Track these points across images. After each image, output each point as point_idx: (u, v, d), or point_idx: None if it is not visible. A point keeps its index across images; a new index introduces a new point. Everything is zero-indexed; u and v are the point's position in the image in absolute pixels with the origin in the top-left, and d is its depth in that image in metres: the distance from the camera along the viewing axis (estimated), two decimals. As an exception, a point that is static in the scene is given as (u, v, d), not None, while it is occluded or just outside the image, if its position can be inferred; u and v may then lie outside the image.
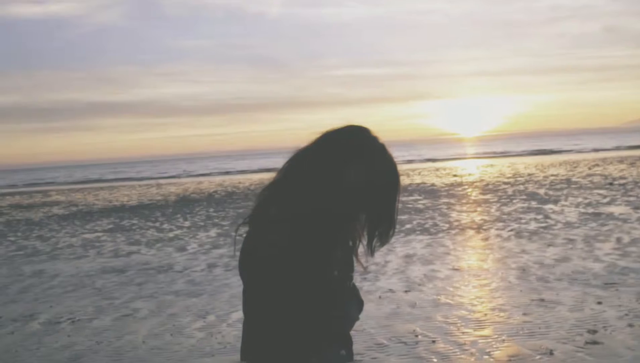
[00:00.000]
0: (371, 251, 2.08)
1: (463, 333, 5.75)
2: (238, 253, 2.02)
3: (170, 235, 14.66)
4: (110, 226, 17.57)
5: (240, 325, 6.42)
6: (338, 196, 1.90)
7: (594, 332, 5.52)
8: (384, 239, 2.06)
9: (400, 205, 2.06)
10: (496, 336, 5.57)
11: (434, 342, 5.55)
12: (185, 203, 23.68)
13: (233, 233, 2.06)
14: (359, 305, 2.21)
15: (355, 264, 2.16)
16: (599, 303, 6.44)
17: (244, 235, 2.04)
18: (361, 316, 2.20)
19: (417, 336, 5.75)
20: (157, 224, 17.18)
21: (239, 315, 6.99)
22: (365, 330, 5.98)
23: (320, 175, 1.91)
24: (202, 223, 16.57)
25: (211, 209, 20.30)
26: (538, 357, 4.99)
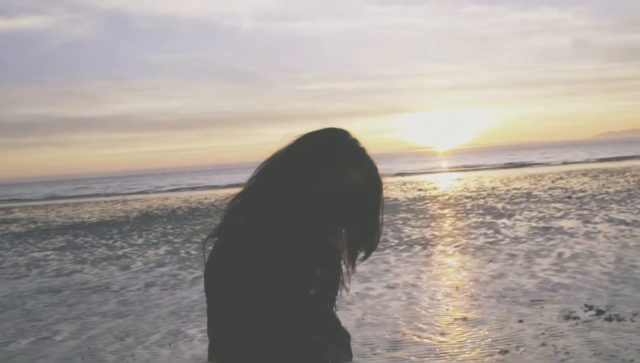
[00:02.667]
0: (352, 264, 1.90)
1: (375, 354, 5.63)
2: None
3: (119, 253, 14.42)
4: (63, 244, 17.28)
5: (156, 347, 6.29)
6: (311, 204, 1.72)
7: (506, 352, 5.42)
8: (369, 249, 1.88)
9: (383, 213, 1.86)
10: (405, 358, 5.46)
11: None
12: (145, 220, 23.41)
13: (202, 246, 1.88)
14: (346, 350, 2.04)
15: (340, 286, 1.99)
16: (520, 321, 6.36)
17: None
18: None
19: (328, 358, 5.61)
20: (110, 242, 16.91)
21: (158, 336, 6.85)
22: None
23: (293, 181, 1.72)
24: (155, 241, 16.34)
25: (169, 226, 20.06)
26: (441, 379, 4.88)
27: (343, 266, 1.97)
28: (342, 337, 2.05)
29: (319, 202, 1.72)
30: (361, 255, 1.91)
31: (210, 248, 1.84)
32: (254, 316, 1.73)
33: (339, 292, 1.98)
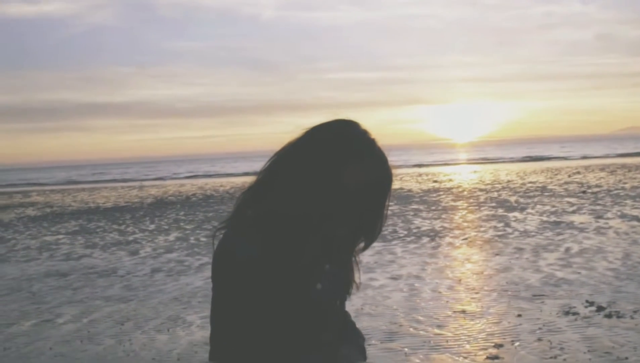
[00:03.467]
0: (352, 254, 1.88)
1: (369, 345, 5.60)
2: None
3: (130, 238, 14.51)
4: (76, 228, 17.41)
5: (154, 332, 6.32)
6: (321, 199, 1.70)
7: (500, 346, 5.39)
8: (369, 241, 1.85)
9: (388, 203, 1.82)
10: (399, 349, 5.44)
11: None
12: (159, 206, 23.52)
13: (211, 239, 1.86)
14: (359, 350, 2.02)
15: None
16: (519, 316, 6.32)
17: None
18: None
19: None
20: (122, 227, 17.02)
21: (157, 322, 6.89)
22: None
23: (303, 175, 1.70)
24: (166, 227, 16.42)
25: (182, 213, 20.14)
26: (432, 371, 4.86)
27: (352, 263, 1.95)
28: (355, 338, 2.03)
29: (329, 197, 1.71)
30: (361, 245, 1.89)
31: (220, 236, 1.82)
32: (260, 313, 1.71)
33: (350, 290, 1.96)
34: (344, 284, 1.91)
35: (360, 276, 1.93)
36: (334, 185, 1.69)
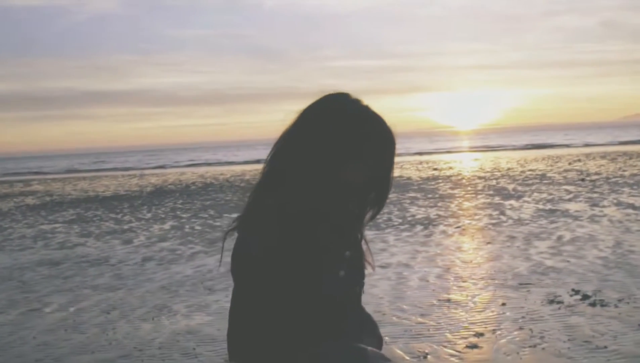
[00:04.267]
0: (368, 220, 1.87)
1: (350, 334, 5.60)
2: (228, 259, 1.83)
3: (125, 227, 14.52)
4: (73, 217, 17.44)
5: (138, 321, 6.33)
6: (334, 190, 1.70)
7: (480, 335, 5.38)
8: (378, 209, 1.86)
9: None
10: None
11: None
12: (157, 195, 23.54)
13: (222, 242, 1.85)
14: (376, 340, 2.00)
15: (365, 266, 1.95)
16: (503, 304, 6.30)
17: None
18: None
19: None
20: (119, 216, 17.04)
21: (143, 311, 6.90)
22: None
23: (310, 162, 1.70)
24: (163, 215, 16.43)
25: (180, 202, 20.15)
26: (410, 360, 4.85)
27: (363, 245, 1.92)
28: (372, 327, 2.02)
29: (341, 187, 1.69)
30: (369, 215, 1.86)
31: (235, 235, 1.80)
32: (283, 308, 1.68)
33: (365, 274, 1.95)
34: (361, 269, 1.90)
35: (372, 256, 1.90)
36: (340, 165, 1.68)
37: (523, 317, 5.84)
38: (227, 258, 1.86)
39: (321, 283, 1.73)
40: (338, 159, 1.69)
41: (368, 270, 1.97)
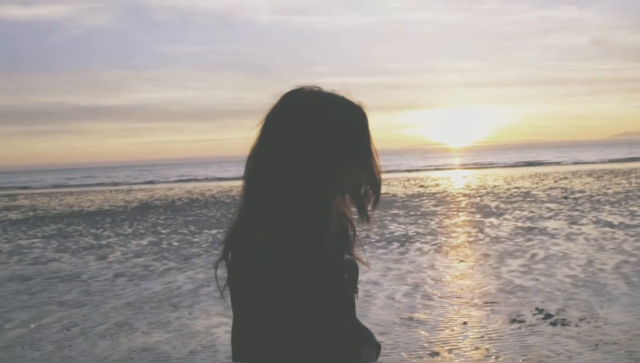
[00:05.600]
0: (366, 217, 1.73)
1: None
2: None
3: (104, 242, 14.43)
4: (53, 232, 17.33)
5: (97, 338, 6.25)
6: (330, 190, 1.65)
7: (436, 354, 5.34)
8: (378, 198, 1.74)
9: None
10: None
11: None
12: (142, 210, 23.44)
13: (215, 270, 1.73)
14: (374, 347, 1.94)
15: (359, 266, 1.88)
16: (464, 323, 6.26)
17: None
18: None
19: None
20: (100, 231, 16.94)
21: (104, 327, 6.82)
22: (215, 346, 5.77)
23: (305, 167, 1.63)
24: (143, 231, 16.34)
25: (162, 217, 20.06)
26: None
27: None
28: (369, 336, 1.96)
29: (338, 186, 1.65)
30: (371, 202, 1.81)
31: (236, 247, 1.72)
32: (292, 316, 1.62)
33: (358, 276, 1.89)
34: (357, 272, 1.84)
35: (366, 256, 1.85)
36: (337, 164, 1.64)
37: (482, 337, 5.79)
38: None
39: (333, 285, 1.67)
40: (335, 158, 1.66)
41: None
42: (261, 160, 1.72)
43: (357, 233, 1.83)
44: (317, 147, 1.66)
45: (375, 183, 1.77)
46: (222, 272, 1.61)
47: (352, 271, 1.77)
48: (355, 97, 1.75)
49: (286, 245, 1.58)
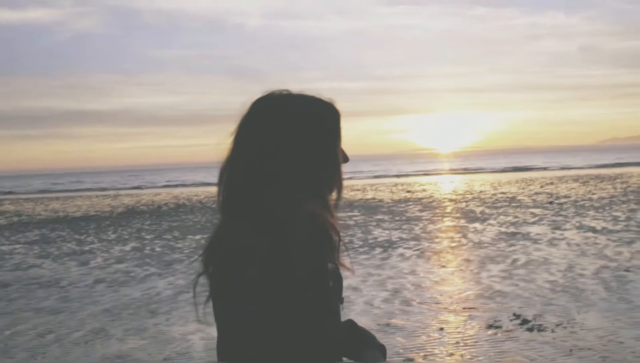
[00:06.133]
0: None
1: None
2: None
3: (86, 248, 14.34)
4: (36, 237, 17.21)
5: (71, 345, 6.19)
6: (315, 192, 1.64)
7: (411, 360, 5.31)
8: (341, 192, 1.74)
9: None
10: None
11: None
12: (127, 216, 23.34)
13: (192, 290, 1.68)
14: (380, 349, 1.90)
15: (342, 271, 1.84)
16: (441, 329, 6.25)
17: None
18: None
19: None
20: (83, 237, 16.84)
21: (79, 334, 6.76)
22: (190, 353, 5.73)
23: (291, 172, 1.62)
24: (127, 236, 16.26)
25: (147, 223, 19.97)
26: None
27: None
28: (372, 339, 1.92)
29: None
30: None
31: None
32: (281, 322, 1.58)
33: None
34: (340, 282, 1.80)
35: (350, 261, 1.81)
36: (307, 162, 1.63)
37: (458, 343, 5.77)
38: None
39: (319, 292, 1.63)
40: (321, 157, 1.65)
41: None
42: (242, 170, 1.69)
43: (342, 238, 1.81)
44: (303, 148, 1.64)
45: (339, 181, 1.75)
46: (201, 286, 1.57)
47: (337, 279, 1.72)
48: (327, 97, 1.73)
49: (270, 255, 1.55)
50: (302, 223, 1.61)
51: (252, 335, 1.53)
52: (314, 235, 1.63)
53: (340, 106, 1.74)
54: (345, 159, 1.77)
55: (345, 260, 1.78)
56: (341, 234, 1.78)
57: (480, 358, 5.31)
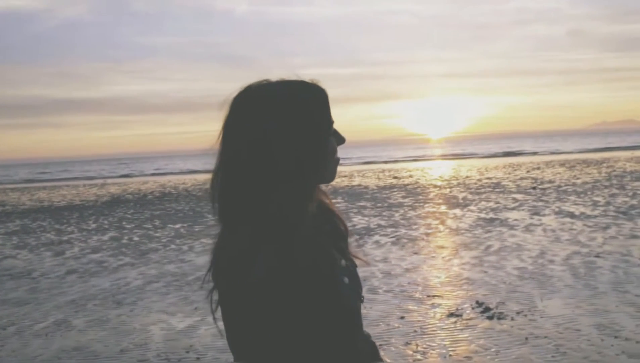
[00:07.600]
0: None
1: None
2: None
3: (65, 238, 14.28)
4: (17, 228, 17.14)
5: (30, 337, 6.15)
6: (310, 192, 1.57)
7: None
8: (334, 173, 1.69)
9: None
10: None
11: (198, 358, 5.30)
12: (111, 205, 23.27)
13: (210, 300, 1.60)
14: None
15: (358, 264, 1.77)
16: (402, 318, 6.23)
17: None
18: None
19: (187, 352, 5.49)
20: (64, 226, 16.77)
21: (41, 326, 6.73)
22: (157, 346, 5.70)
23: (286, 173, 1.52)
24: (107, 226, 16.20)
25: (130, 212, 19.92)
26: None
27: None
28: (374, 350, 1.87)
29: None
30: None
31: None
32: (293, 330, 1.52)
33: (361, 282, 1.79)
34: (358, 279, 1.71)
35: (364, 253, 1.74)
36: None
37: (415, 331, 5.76)
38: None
39: (331, 292, 1.56)
40: (319, 144, 1.58)
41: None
42: (238, 175, 1.59)
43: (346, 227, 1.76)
44: (295, 139, 1.55)
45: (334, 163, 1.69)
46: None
47: (352, 276, 1.66)
48: (310, 78, 1.65)
49: (277, 260, 1.48)
50: (308, 228, 1.55)
51: (264, 343, 1.47)
52: (318, 239, 1.57)
53: (330, 92, 1.63)
54: (341, 140, 1.69)
55: (359, 252, 1.73)
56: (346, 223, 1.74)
57: (435, 347, 5.29)
